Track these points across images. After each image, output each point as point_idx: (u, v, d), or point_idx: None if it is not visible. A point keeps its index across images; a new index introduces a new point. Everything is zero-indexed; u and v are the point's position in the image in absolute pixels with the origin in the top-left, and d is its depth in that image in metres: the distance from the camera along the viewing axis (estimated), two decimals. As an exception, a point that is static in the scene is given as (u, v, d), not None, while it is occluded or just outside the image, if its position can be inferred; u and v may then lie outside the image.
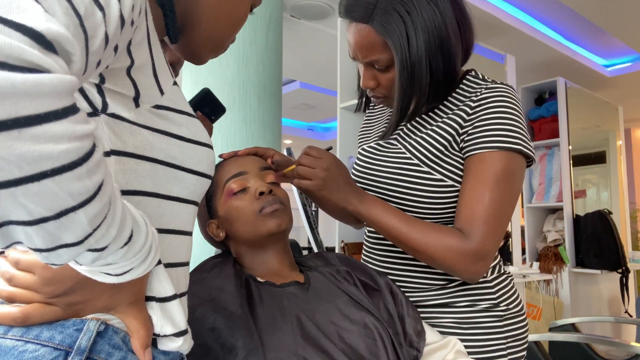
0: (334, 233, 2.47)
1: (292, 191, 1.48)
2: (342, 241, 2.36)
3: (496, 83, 0.91)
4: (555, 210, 3.56)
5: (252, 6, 0.67)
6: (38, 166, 0.30)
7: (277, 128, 2.14)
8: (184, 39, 0.61)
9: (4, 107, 0.28)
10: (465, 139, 0.89)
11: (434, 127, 0.93)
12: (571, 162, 3.44)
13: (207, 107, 0.96)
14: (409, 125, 0.99)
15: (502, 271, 0.98)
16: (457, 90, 0.94)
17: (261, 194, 0.88)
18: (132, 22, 0.42)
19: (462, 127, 0.89)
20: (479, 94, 0.89)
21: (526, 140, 0.86)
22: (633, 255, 3.81)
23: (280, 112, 2.17)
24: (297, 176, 0.90)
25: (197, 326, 0.73)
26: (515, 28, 3.15)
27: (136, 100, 0.48)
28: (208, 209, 0.93)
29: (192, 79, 2.05)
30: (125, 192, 0.48)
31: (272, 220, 0.87)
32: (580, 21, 3.27)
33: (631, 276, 3.56)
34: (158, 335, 0.51)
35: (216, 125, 2.08)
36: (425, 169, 0.91)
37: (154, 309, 0.50)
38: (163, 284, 0.50)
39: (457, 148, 0.90)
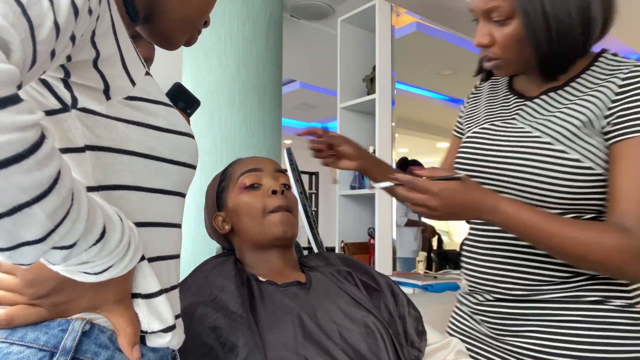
0: (334, 233, 2.48)
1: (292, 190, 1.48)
2: (342, 241, 2.36)
3: None
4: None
5: None
6: None
7: (277, 128, 2.14)
8: (155, 24, 0.60)
9: None
10: (614, 121, 0.77)
11: (569, 105, 0.82)
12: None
13: (181, 101, 0.97)
14: (531, 104, 0.87)
15: None
16: (594, 67, 0.84)
17: (274, 192, 0.89)
18: (91, 11, 0.41)
19: (608, 107, 0.78)
20: (626, 70, 0.79)
21: None
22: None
23: (280, 112, 2.17)
24: (414, 211, 0.81)
25: (198, 325, 0.74)
26: None
27: (106, 92, 0.47)
28: (217, 201, 0.94)
29: (192, 79, 2.05)
30: (104, 187, 0.47)
31: (279, 227, 0.87)
32: (580, 21, 3.27)
33: None
34: (146, 332, 0.50)
35: (217, 125, 2.08)
36: (559, 146, 0.79)
37: (140, 306, 0.50)
38: (148, 280, 0.50)
39: (598, 127, 0.79)
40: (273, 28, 2.12)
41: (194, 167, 0.57)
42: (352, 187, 2.52)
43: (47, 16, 0.35)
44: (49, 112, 0.45)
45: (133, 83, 0.50)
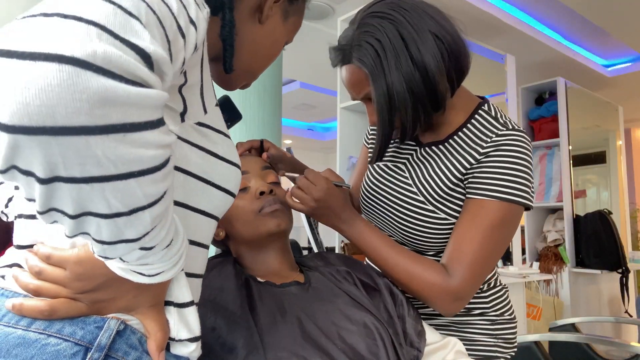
0: (334, 233, 2.47)
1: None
2: (342, 241, 2.36)
3: (508, 128, 0.90)
4: (556, 210, 3.56)
5: (285, 42, 0.73)
6: (130, 166, 0.34)
7: (277, 128, 2.14)
8: (222, 67, 0.65)
9: (118, 113, 0.33)
10: (470, 180, 0.90)
11: (442, 165, 0.94)
12: (571, 162, 3.44)
13: (225, 113, 0.98)
14: (418, 154, 0.99)
15: (498, 284, 1.03)
16: (469, 125, 0.93)
17: (261, 193, 0.88)
18: (196, 48, 0.46)
19: (468, 169, 0.90)
20: (489, 140, 0.89)
21: (530, 191, 0.88)
22: (633, 255, 3.81)
23: (280, 112, 2.17)
24: (290, 196, 0.93)
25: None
26: (515, 28, 3.16)
27: (183, 115, 0.51)
28: None
29: (192, 79, 2.05)
30: None
31: (272, 220, 0.87)
32: (580, 21, 3.27)
33: (631, 276, 3.56)
34: (173, 340, 0.52)
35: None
36: (430, 207, 0.93)
37: (171, 314, 0.52)
38: (182, 290, 0.52)
39: (462, 186, 0.92)
40: (273, 28, 2.12)
41: (234, 195, 0.60)
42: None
43: (180, 52, 0.42)
44: None
45: (205, 111, 0.54)
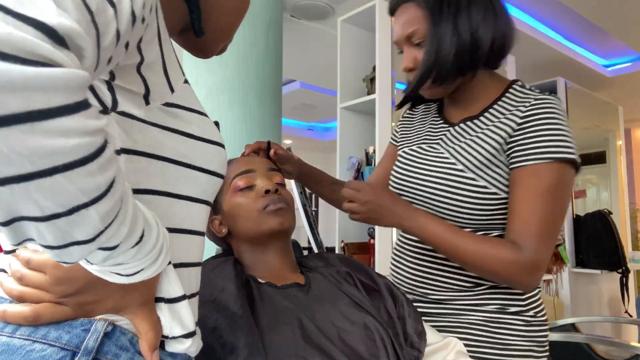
0: (334, 233, 2.47)
1: (292, 190, 1.48)
2: (342, 241, 2.36)
3: (544, 94, 0.91)
4: (555, 210, 3.56)
5: None
6: (50, 161, 0.30)
7: (277, 128, 2.14)
8: (193, 34, 0.61)
9: (17, 100, 0.28)
10: (515, 149, 0.88)
11: (480, 135, 0.93)
12: (571, 162, 3.44)
13: None
14: (452, 131, 0.99)
15: None
16: (504, 98, 0.95)
17: (267, 192, 0.89)
18: (143, 19, 0.42)
19: (510, 137, 0.89)
20: (527, 104, 0.89)
21: (575, 149, 0.87)
22: (633, 255, 3.81)
23: (280, 112, 2.17)
24: (345, 211, 0.94)
25: (198, 326, 0.74)
26: (515, 28, 3.15)
27: (146, 97, 0.47)
28: (213, 204, 0.94)
29: (192, 79, 2.05)
30: (135, 191, 0.47)
31: (275, 219, 0.87)
32: (580, 21, 3.27)
33: (631, 276, 3.56)
34: (166, 337, 0.50)
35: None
36: (470, 174, 0.91)
37: (162, 310, 0.50)
38: (172, 285, 0.50)
39: (503, 156, 0.90)
40: (273, 28, 2.12)
41: (221, 176, 0.57)
42: (352, 187, 2.52)
43: (111, 24, 0.36)
44: None
45: (172, 90, 0.50)
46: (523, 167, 0.86)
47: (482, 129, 0.94)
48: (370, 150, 2.34)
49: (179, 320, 0.50)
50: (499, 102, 0.95)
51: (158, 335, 0.49)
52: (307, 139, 7.11)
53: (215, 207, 0.94)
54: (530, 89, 0.95)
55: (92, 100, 0.44)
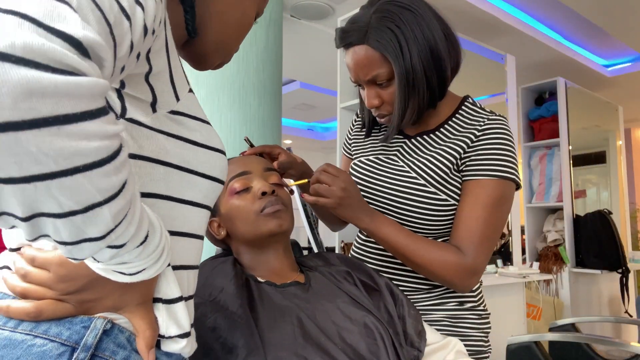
0: (334, 233, 2.47)
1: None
2: (342, 241, 2.36)
3: (495, 114, 0.99)
4: (555, 210, 3.56)
5: (257, 14, 0.70)
6: (72, 161, 0.32)
7: (277, 128, 2.14)
8: (194, 45, 0.63)
9: (47, 105, 0.30)
10: (467, 163, 0.96)
11: (439, 150, 0.99)
12: (571, 162, 3.44)
13: None
14: (409, 143, 1.04)
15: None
16: (458, 115, 1.01)
17: (264, 194, 0.88)
18: (153, 31, 0.44)
19: (465, 152, 0.96)
20: (482, 124, 0.97)
21: (517, 170, 0.97)
22: (633, 255, 3.81)
23: (280, 112, 2.17)
24: (314, 193, 0.94)
25: (198, 326, 0.73)
26: (515, 28, 3.15)
27: (153, 105, 0.50)
28: None
29: (192, 79, 2.05)
30: (140, 195, 0.49)
31: (273, 221, 0.87)
32: (580, 21, 3.27)
33: (631, 276, 3.56)
34: (162, 337, 0.52)
35: (217, 125, 2.08)
36: (432, 189, 0.97)
37: (160, 310, 0.51)
38: (170, 286, 0.52)
39: (458, 170, 0.97)
40: (273, 28, 2.12)
41: (222, 182, 0.59)
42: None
43: (126, 36, 0.39)
44: None
45: (177, 98, 0.52)
46: (473, 180, 0.95)
47: (440, 144, 1.00)
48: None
49: (175, 321, 0.52)
50: (454, 119, 1.01)
51: (155, 334, 0.50)
52: (307, 139, 7.11)
53: (213, 209, 0.93)
54: (480, 107, 1.02)
55: None
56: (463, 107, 1.02)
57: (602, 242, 3.29)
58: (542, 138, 3.57)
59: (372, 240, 1.07)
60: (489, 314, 1.06)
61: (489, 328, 1.05)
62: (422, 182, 0.97)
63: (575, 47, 3.78)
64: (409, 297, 1.00)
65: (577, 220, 3.39)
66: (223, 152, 0.59)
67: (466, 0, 2.75)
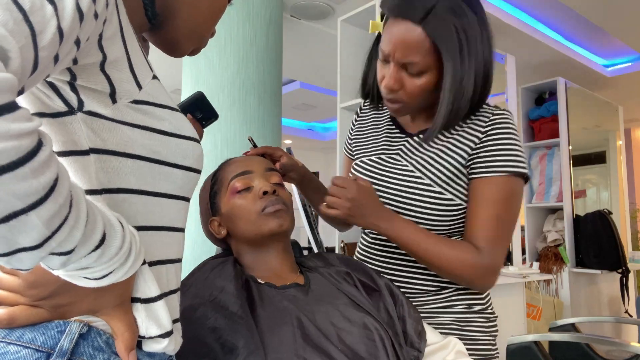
0: (334, 233, 2.47)
1: (292, 191, 1.48)
2: (342, 241, 2.36)
3: (499, 109, 0.96)
4: (555, 210, 3.56)
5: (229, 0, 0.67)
6: None
7: (277, 128, 2.14)
8: (164, 30, 0.61)
9: None
10: (476, 161, 0.94)
11: (442, 147, 0.96)
12: (571, 162, 3.44)
13: (199, 111, 0.95)
14: (411, 141, 1.01)
15: None
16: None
17: (265, 193, 0.89)
18: (97, 15, 0.41)
19: (472, 150, 0.94)
20: (486, 119, 0.95)
21: (525, 161, 0.94)
22: (633, 255, 3.81)
23: (280, 112, 2.17)
24: (326, 205, 0.94)
25: (198, 326, 0.74)
26: (515, 28, 3.15)
27: (112, 96, 0.47)
28: (211, 206, 0.94)
29: (192, 79, 2.05)
30: (108, 191, 0.48)
31: (274, 220, 0.87)
32: (580, 21, 3.27)
33: (631, 276, 3.56)
34: (143, 337, 0.50)
35: (217, 125, 2.08)
36: (437, 189, 0.95)
37: (138, 311, 0.50)
38: (148, 284, 0.50)
39: (465, 168, 0.95)
40: (273, 28, 2.12)
41: (198, 171, 0.57)
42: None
43: (50, 22, 0.35)
44: (55, 115, 0.45)
45: (139, 87, 0.50)
46: (483, 178, 0.93)
47: (442, 141, 0.97)
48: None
49: (155, 321, 0.50)
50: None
51: (134, 335, 0.49)
52: (307, 139, 7.11)
53: (214, 208, 0.93)
54: (488, 104, 0.98)
55: (57, 102, 0.44)
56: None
57: (602, 242, 3.28)
58: (542, 138, 3.57)
59: (378, 242, 1.05)
60: (497, 316, 1.04)
61: (497, 331, 1.03)
62: (428, 181, 0.95)
63: (575, 47, 3.78)
64: (416, 299, 0.99)
65: (577, 220, 3.39)
66: (196, 140, 0.57)
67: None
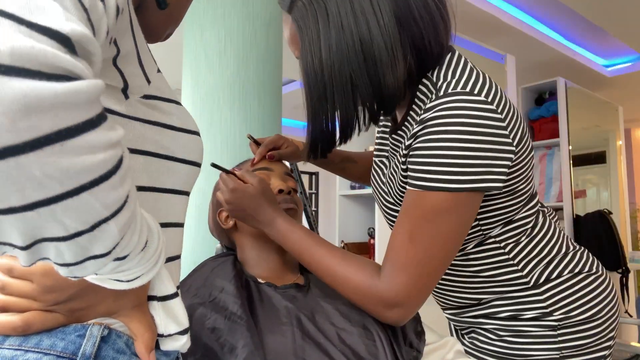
0: (334, 233, 2.47)
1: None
2: (342, 241, 2.36)
3: (440, 96, 0.70)
4: (556, 210, 3.56)
5: None
6: (78, 180, 0.28)
7: (277, 128, 2.14)
8: (143, 15, 0.58)
9: (47, 120, 0.26)
10: (408, 166, 0.75)
11: (398, 159, 0.81)
12: (571, 162, 3.44)
13: None
14: (391, 140, 0.88)
15: (566, 273, 0.82)
16: (416, 99, 0.78)
17: (280, 191, 0.92)
18: (122, 10, 0.39)
19: (406, 158, 0.76)
20: (417, 117, 0.74)
21: (479, 170, 0.68)
22: (633, 255, 3.80)
23: (280, 112, 2.17)
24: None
25: (198, 326, 0.74)
26: (515, 28, 3.15)
27: (125, 91, 0.45)
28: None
29: (192, 79, 2.05)
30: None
31: None
32: (580, 21, 3.27)
33: (631, 276, 3.56)
34: (161, 336, 0.49)
35: (217, 125, 2.08)
36: (398, 207, 0.85)
37: (156, 309, 0.48)
38: (164, 282, 0.48)
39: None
40: (273, 28, 2.12)
41: (199, 165, 0.56)
42: (352, 187, 2.52)
43: (102, 20, 0.34)
44: None
45: (148, 81, 0.48)
46: (407, 191, 0.74)
47: (398, 146, 0.83)
48: (370, 149, 2.35)
49: (173, 318, 0.49)
50: (412, 107, 0.79)
51: (154, 335, 0.48)
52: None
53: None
54: (436, 83, 0.74)
55: None
56: (420, 86, 0.77)
57: (602, 242, 3.28)
58: (542, 138, 3.57)
59: None
60: (585, 320, 0.80)
61: (582, 339, 0.80)
62: (391, 200, 0.85)
63: (575, 47, 3.78)
64: (459, 310, 0.90)
65: (577, 220, 3.39)
66: (199, 134, 0.56)
67: (466, 0, 2.75)
